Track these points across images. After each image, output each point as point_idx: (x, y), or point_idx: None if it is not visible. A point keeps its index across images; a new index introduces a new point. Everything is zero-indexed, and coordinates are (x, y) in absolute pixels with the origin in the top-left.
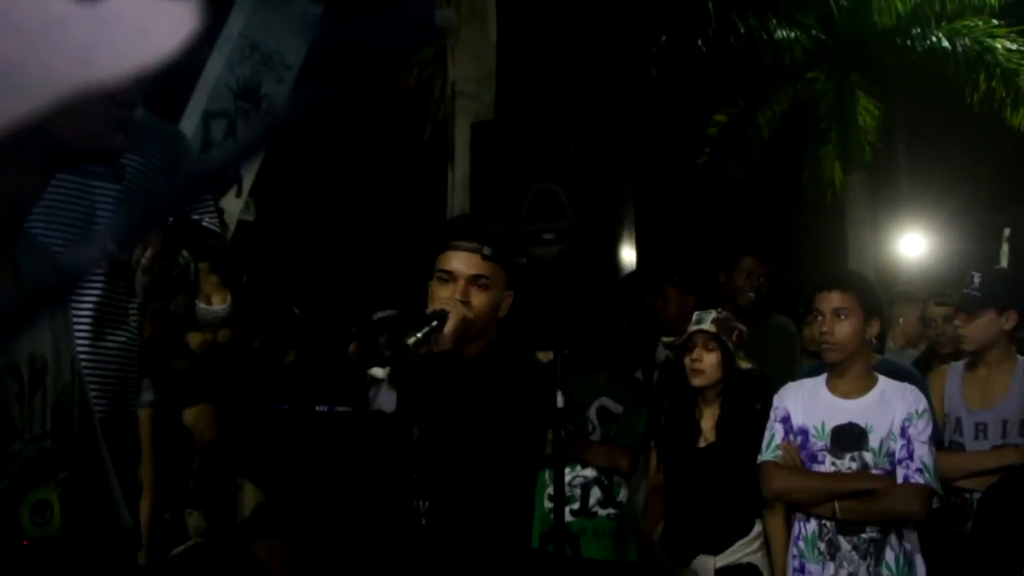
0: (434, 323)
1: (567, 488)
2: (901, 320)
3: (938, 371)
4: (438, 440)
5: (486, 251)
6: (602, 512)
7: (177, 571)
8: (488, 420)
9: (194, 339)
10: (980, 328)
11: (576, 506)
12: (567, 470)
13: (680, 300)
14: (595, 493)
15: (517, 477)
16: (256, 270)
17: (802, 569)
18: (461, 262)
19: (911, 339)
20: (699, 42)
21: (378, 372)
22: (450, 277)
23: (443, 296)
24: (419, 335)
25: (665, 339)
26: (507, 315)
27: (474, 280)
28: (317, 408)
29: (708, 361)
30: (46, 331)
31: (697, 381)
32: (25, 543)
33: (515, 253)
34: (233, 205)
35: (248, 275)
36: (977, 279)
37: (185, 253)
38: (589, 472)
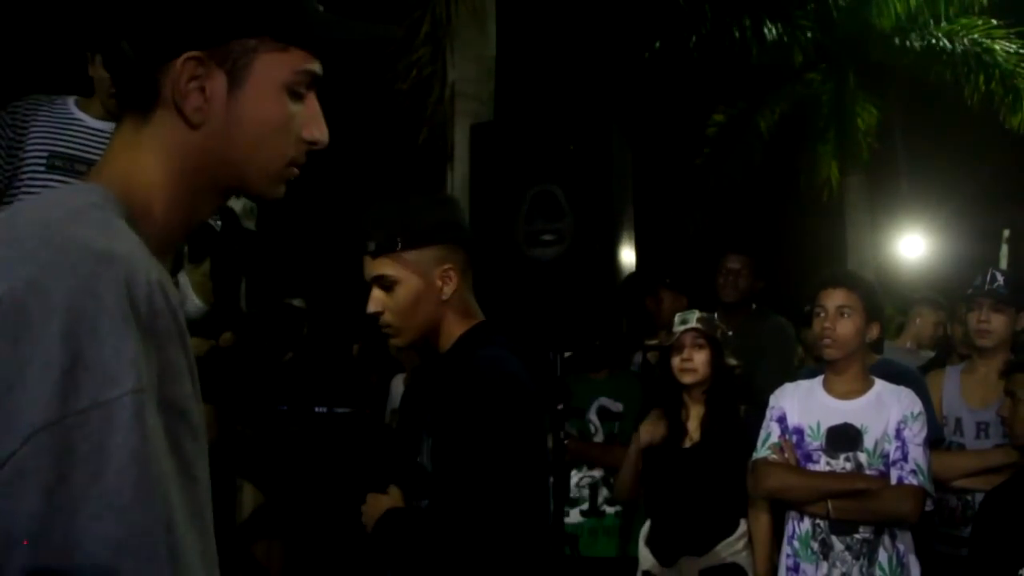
0: None
1: (576, 490)
2: (918, 320)
3: (936, 372)
4: None
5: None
6: (610, 510)
7: None
8: None
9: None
10: (1003, 323)
11: (586, 507)
12: (575, 472)
13: (673, 302)
14: (603, 492)
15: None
16: (256, 273)
17: (796, 568)
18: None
19: (923, 342)
20: (692, 39)
21: None
22: None
23: None
24: None
25: (649, 342)
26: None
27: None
28: (316, 409)
29: (699, 359)
30: None
31: (687, 379)
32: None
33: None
34: (234, 203)
35: (247, 279)
36: (1001, 278)
37: None
38: (596, 472)
